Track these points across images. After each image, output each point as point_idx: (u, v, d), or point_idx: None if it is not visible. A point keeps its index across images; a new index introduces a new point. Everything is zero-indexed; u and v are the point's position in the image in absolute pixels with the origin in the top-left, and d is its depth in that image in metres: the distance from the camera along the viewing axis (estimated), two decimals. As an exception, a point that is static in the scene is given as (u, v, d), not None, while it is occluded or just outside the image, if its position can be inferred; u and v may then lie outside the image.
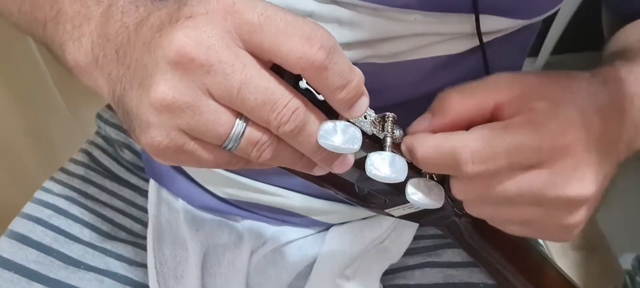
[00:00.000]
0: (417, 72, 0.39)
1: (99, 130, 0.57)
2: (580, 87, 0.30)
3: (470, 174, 0.27)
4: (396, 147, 0.29)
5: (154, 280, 0.45)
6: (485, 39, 0.39)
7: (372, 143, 0.28)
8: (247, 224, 0.50)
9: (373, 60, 0.38)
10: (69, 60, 0.30)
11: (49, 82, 0.76)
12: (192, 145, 0.25)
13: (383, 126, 0.28)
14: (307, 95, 0.25)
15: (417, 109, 0.41)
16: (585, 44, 1.41)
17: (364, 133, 0.27)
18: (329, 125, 0.25)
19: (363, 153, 0.28)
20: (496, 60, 0.42)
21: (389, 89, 0.39)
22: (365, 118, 0.27)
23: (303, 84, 0.25)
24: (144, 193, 0.52)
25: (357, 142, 0.25)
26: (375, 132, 0.28)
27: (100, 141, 0.56)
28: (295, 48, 0.23)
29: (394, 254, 0.47)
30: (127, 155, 0.54)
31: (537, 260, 0.40)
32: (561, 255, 1.14)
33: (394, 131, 0.28)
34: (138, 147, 0.54)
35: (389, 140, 0.28)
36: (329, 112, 0.26)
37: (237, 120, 0.25)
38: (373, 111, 0.28)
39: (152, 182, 0.50)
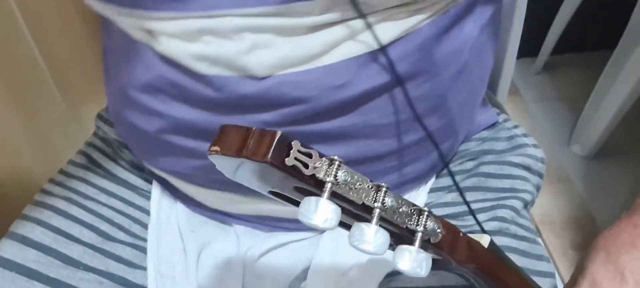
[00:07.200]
0: (339, 75, 0.39)
1: (97, 132, 0.58)
2: None
3: None
4: (384, 220, 0.27)
5: (152, 279, 0.46)
6: (418, 7, 0.38)
7: (363, 212, 0.27)
8: (241, 228, 0.50)
9: (290, 69, 0.38)
10: None
11: (49, 82, 0.76)
12: None
13: (376, 197, 0.27)
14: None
15: (351, 112, 0.40)
16: (585, 44, 1.41)
17: (354, 203, 0.26)
18: (310, 201, 0.24)
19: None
20: (460, 36, 0.41)
21: (315, 97, 0.39)
22: (357, 187, 0.26)
23: None
24: (142, 193, 0.53)
25: (335, 222, 0.24)
26: (366, 202, 0.26)
27: (98, 142, 0.56)
28: None
29: (390, 263, 0.47)
30: (125, 154, 0.54)
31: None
32: (561, 255, 1.14)
33: (384, 201, 0.27)
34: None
35: (377, 211, 0.26)
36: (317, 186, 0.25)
37: None
38: (368, 179, 0.27)
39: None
